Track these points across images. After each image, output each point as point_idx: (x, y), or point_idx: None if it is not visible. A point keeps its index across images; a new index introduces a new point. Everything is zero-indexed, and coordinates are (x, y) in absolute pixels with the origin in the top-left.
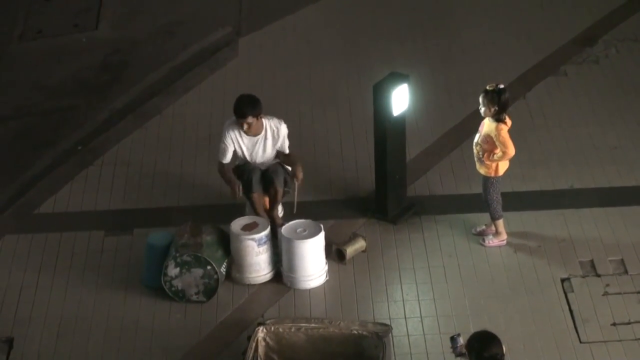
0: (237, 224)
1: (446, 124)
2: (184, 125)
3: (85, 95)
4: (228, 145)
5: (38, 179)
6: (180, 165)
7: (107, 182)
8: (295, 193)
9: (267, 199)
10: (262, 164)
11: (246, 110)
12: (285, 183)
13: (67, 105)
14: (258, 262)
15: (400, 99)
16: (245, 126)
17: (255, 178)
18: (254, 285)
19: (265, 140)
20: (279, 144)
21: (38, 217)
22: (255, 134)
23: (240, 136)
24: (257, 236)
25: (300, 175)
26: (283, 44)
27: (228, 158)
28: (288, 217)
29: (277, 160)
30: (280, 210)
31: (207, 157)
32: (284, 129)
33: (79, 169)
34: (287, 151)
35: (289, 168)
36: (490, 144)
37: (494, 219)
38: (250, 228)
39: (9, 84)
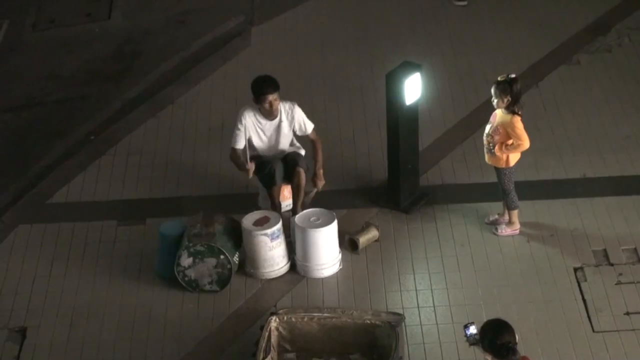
0: (248, 220)
1: (459, 113)
2: (196, 114)
3: (97, 85)
4: (242, 130)
5: (51, 169)
6: (192, 155)
7: (120, 171)
8: (310, 197)
9: (286, 188)
10: (281, 151)
11: (268, 88)
12: (307, 168)
13: (79, 94)
14: (272, 256)
15: (413, 88)
16: (267, 105)
17: (278, 170)
18: None
19: (281, 123)
20: (295, 126)
21: (51, 206)
22: (273, 117)
23: (258, 121)
24: (269, 231)
25: (321, 183)
26: (295, 33)
27: (241, 144)
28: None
29: (294, 149)
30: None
31: (220, 147)
32: (298, 110)
33: (92, 159)
34: (309, 132)
35: (302, 151)
36: (502, 135)
37: (510, 208)
38: (261, 223)
39: (22, 74)
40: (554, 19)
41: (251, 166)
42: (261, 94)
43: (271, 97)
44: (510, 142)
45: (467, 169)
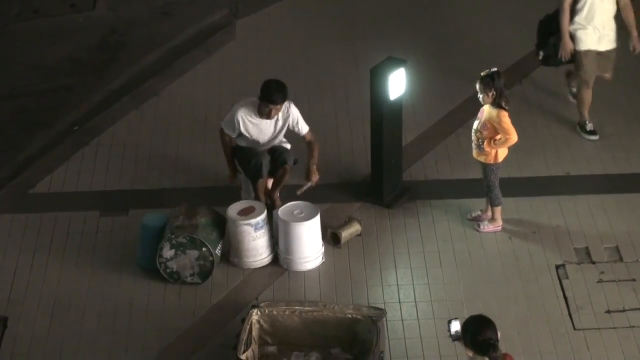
0: (233, 209)
1: (443, 109)
2: (180, 107)
3: (81, 76)
4: (236, 124)
5: (34, 159)
6: (176, 147)
7: (103, 163)
8: (303, 189)
9: (270, 181)
10: (270, 146)
11: (277, 97)
12: (295, 162)
13: (63, 85)
14: (255, 247)
15: (397, 84)
16: (268, 112)
17: (265, 164)
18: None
19: (277, 122)
20: (291, 125)
21: (33, 197)
22: (268, 117)
23: (250, 120)
24: (253, 221)
25: (316, 178)
26: (280, 27)
27: (230, 132)
28: (284, 201)
29: (281, 143)
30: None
31: (203, 139)
32: (294, 109)
33: (75, 150)
34: (303, 133)
35: (289, 146)
36: (490, 130)
37: (493, 205)
38: (246, 213)
39: (6, 64)
40: (539, 16)
41: (235, 180)
42: (269, 101)
43: (278, 107)
44: (498, 137)
45: (451, 165)
